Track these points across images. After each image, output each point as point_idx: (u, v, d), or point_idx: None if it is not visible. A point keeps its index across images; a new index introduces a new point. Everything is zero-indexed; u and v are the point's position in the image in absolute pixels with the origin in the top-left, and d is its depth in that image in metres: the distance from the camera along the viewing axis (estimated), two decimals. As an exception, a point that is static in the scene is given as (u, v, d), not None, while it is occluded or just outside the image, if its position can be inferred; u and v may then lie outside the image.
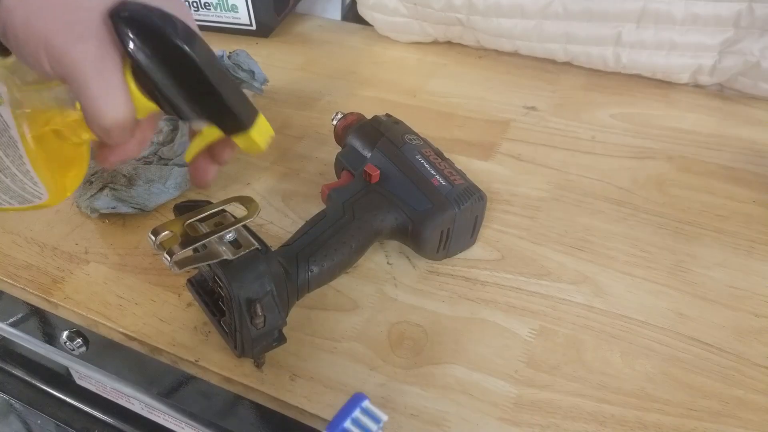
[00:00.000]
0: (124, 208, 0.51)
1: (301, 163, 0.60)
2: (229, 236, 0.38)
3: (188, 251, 0.36)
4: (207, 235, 0.37)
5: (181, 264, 0.35)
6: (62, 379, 0.66)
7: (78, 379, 0.63)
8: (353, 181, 0.49)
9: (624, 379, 0.41)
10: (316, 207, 0.49)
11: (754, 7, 0.63)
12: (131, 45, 0.30)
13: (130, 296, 0.46)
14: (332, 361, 0.42)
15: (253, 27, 0.81)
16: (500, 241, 0.52)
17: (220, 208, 0.40)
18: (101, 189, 0.52)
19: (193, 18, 0.34)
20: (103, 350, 0.56)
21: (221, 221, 0.39)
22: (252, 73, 0.65)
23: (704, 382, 0.41)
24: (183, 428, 0.55)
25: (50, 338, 0.61)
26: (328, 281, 0.44)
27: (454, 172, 0.48)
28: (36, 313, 0.60)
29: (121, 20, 0.30)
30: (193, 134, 0.37)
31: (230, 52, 0.65)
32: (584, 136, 0.64)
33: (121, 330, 0.44)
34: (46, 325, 0.61)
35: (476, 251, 0.50)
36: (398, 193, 0.47)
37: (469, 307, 0.46)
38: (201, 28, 0.35)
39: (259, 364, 0.41)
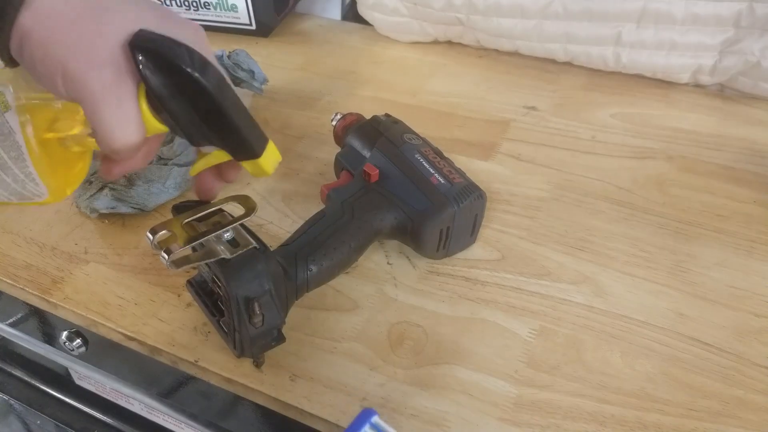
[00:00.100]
0: (123, 208, 0.51)
1: (300, 163, 0.60)
2: (227, 235, 0.38)
3: (186, 250, 0.36)
4: (205, 234, 0.37)
5: (179, 263, 0.35)
6: (62, 380, 0.66)
7: (77, 379, 0.63)
8: (352, 181, 0.49)
9: (624, 379, 0.41)
10: (315, 207, 0.49)
11: (754, 7, 0.63)
12: (146, 73, 0.30)
13: (129, 296, 0.46)
14: (332, 361, 0.42)
15: (253, 27, 0.81)
16: (500, 241, 0.51)
17: (218, 207, 0.40)
18: (101, 189, 0.52)
19: (210, 48, 0.34)
20: (102, 350, 0.56)
21: (219, 220, 0.39)
22: (252, 72, 0.65)
23: (704, 382, 0.41)
24: (183, 428, 0.55)
25: (50, 338, 0.61)
26: (328, 281, 0.44)
27: (453, 170, 0.48)
28: (35, 313, 0.60)
29: (137, 49, 0.30)
30: (200, 152, 0.37)
31: (230, 52, 0.65)
32: (584, 136, 0.64)
33: (120, 330, 0.44)
34: (45, 325, 0.61)
35: (476, 251, 0.50)
36: (397, 193, 0.47)
37: (469, 307, 0.46)
38: (200, 27, 0.35)
39: (258, 364, 0.41)
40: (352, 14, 0.89)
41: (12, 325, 0.60)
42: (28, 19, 0.29)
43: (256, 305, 0.36)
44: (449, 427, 0.38)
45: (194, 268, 0.45)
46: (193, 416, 0.52)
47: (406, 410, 0.39)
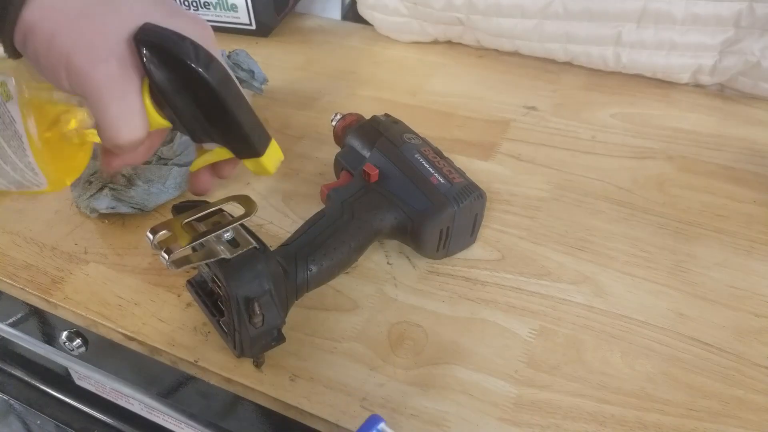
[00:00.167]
0: (123, 208, 0.51)
1: (300, 163, 0.60)
2: (227, 235, 0.38)
3: (186, 250, 0.36)
4: (205, 234, 0.37)
5: (179, 263, 0.35)
6: (62, 380, 0.66)
7: (77, 379, 0.63)
8: (352, 181, 0.49)
9: (624, 379, 0.41)
10: (315, 207, 0.49)
11: (754, 7, 0.63)
12: (151, 67, 0.30)
13: (129, 296, 0.46)
14: (332, 361, 0.42)
15: (253, 27, 0.81)
16: (500, 241, 0.51)
17: (218, 207, 0.40)
18: (101, 189, 0.52)
19: (216, 45, 0.34)
20: (102, 350, 0.56)
21: (219, 220, 0.39)
22: (252, 72, 0.65)
23: (704, 382, 0.41)
24: (183, 428, 0.55)
25: (50, 338, 0.61)
26: (328, 281, 0.44)
27: (453, 170, 0.48)
28: (35, 313, 0.60)
29: (142, 43, 0.30)
30: (200, 149, 0.37)
31: (230, 52, 0.65)
32: (584, 136, 0.64)
33: (120, 330, 0.44)
34: (45, 325, 0.61)
35: (476, 251, 0.50)
36: (397, 193, 0.47)
37: (469, 307, 0.46)
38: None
39: (258, 364, 0.41)
40: (352, 14, 0.89)
41: (12, 325, 0.60)
42: (33, 12, 0.29)
43: (256, 305, 0.36)
44: (449, 427, 0.38)
45: (194, 268, 0.45)
46: (193, 416, 0.52)
47: (406, 410, 0.39)
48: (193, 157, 0.54)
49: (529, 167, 0.60)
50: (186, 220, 0.38)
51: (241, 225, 0.39)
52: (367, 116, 0.54)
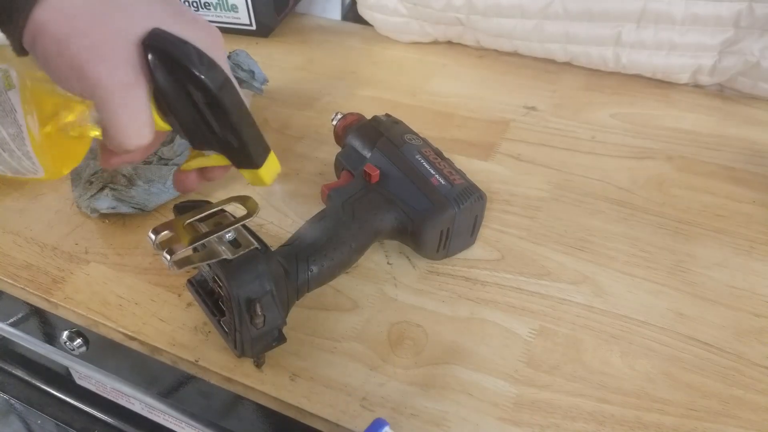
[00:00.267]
0: (124, 208, 0.51)
1: (301, 163, 0.60)
2: (229, 236, 0.38)
3: (188, 251, 0.36)
4: (206, 235, 0.37)
5: (181, 263, 0.35)
6: (62, 379, 0.66)
7: (78, 379, 0.63)
8: (353, 181, 0.49)
9: (624, 379, 0.41)
10: (316, 207, 0.49)
11: (754, 7, 0.63)
12: (155, 72, 0.30)
13: (130, 296, 0.46)
14: (332, 361, 0.42)
15: (253, 27, 0.81)
16: (500, 241, 0.52)
17: (220, 208, 0.40)
18: (101, 189, 0.52)
19: (223, 52, 0.34)
20: (103, 350, 0.56)
21: (221, 221, 0.39)
22: (252, 73, 0.65)
23: (704, 382, 0.41)
24: (183, 428, 0.55)
25: (50, 338, 0.61)
26: (328, 281, 0.44)
27: (453, 171, 0.48)
28: (36, 313, 0.60)
29: (149, 48, 0.30)
30: (196, 150, 0.37)
31: (230, 53, 0.65)
32: (584, 136, 0.64)
33: (121, 330, 0.44)
34: (46, 325, 0.61)
35: (476, 251, 0.50)
36: (398, 193, 0.47)
37: (469, 307, 0.46)
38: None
39: (258, 364, 0.41)
40: (352, 14, 0.89)
41: (13, 324, 0.60)
42: (43, 14, 0.28)
43: (257, 306, 0.36)
44: (449, 426, 0.38)
45: (195, 268, 0.45)
46: (194, 416, 0.52)
47: (406, 410, 0.39)
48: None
49: (529, 167, 0.60)
50: (188, 221, 0.38)
51: (243, 225, 0.39)
52: (368, 116, 0.54)
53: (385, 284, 0.48)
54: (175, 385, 0.56)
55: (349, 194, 0.47)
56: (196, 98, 0.32)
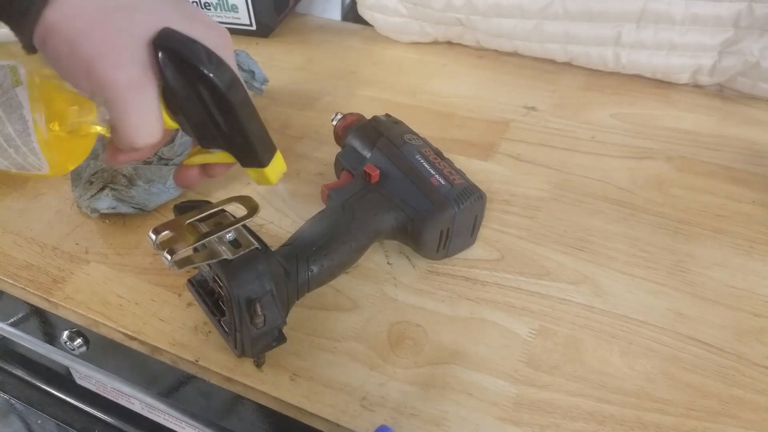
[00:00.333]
0: (124, 208, 0.51)
1: (301, 163, 0.60)
2: (229, 236, 0.38)
3: (188, 251, 0.36)
4: (207, 235, 0.37)
5: (181, 263, 0.36)
6: (62, 379, 0.66)
7: (78, 378, 0.63)
8: (353, 181, 0.49)
9: (623, 379, 0.41)
10: (316, 207, 0.49)
11: (753, 7, 0.63)
12: (165, 71, 0.31)
13: (130, 296, 0.46)
14: (332, 361, 0.42)
15: (253, 27, 0.81)
16: (500, 241, 0.52)
17: (220, 208, 0.40)
18: (101, 189, 0.52)
19: (231, 52, 0.34)
20: (103, 350, 0.56)
21: (221, 221, 0.39)
22: (252, 73, 0.65)
23: (704, 382, 0.41)
24: (183, 428, 0.55)
25: (51, 338, 0.61)
26: (328, 281, 0.44)
27: (453, 171, 0.48)
28: (36, 312, 0.60)
29: (159, 47, 0.30)
30: (200, 146, 0.37)
31: (230, 53, 0.65)
32: (584, 136, 0.65)
33: (121, 330, 0.44)
34: (46, 324, 0.61)
35: (476, 251, 0.51)
36: (398, 193, 0.47)
37: (469, 307, 0.46)
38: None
39: (258, 364, 0.41)
40: (352, 14, 0.89)
41: (13, 324, 0.60)
42: (54, 14, 0.29)
43: (257, 306, 0.37)
44: (449, 426, 0.38)
45: (195, 267, 0.45)
46: (194, 415, 0.52)
47: (406, 410, 0.39)
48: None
49: (529, 167, 0.60)
50: (188, 221, 0.38)
51: (243, 225, 0.39)
52: (367, 116, 0.54)
53: (385, 284, 0.48)
54: (175, 384, 0.56)
55: (349, 194, 0.47)
56: (205, 97, 0.32)
